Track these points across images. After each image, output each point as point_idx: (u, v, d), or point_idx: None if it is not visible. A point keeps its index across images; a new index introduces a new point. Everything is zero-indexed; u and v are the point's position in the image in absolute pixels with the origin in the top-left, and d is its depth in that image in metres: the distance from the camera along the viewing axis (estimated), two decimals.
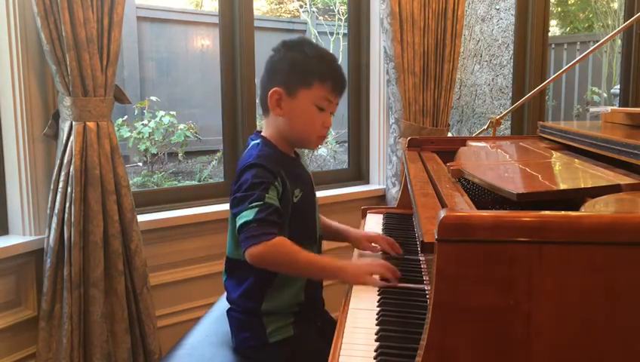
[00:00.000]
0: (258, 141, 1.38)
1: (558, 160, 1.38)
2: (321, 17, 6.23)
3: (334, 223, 1.59)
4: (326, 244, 1.53)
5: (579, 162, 1.30)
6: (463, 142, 1.85)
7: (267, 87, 1.36)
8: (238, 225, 1.25)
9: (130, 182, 2.31)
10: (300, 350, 1.34)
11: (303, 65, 1.34)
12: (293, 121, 1.36)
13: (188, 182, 4.97)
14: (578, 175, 1.23)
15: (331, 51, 5.97)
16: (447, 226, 0.71)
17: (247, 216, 1.22)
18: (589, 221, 0.71)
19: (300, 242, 1.35)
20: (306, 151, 5.29)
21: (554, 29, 8.62)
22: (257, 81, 2.49)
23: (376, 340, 0.97)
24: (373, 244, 1.49)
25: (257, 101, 1.44)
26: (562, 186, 1.13)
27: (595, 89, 6.36)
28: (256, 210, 1.22)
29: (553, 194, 1.01)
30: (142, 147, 4.72)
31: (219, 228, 2.23)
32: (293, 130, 1.37)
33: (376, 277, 1.22)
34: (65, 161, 1.79)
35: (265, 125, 1.41)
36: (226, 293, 1.44)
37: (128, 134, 4.68)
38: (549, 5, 3.47)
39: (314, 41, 5.86)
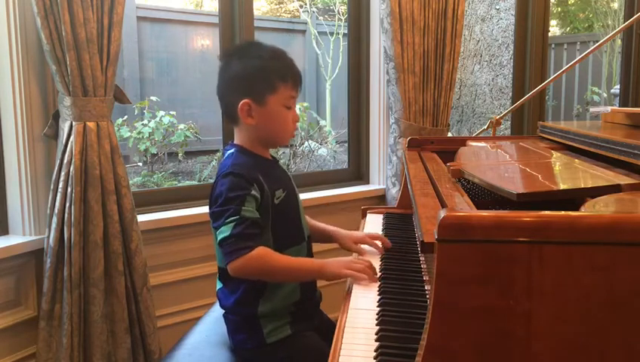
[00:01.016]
0: (232, 150, 1.39)
1: (558, 160, 1.38)
2: (321, 17, 6.23)
3: (321, 225, 1.59)
4: (316, 246, 1.53)
5: (579, 162, 1.30)
6: (463, 142, 1.85)
7: (232, 99, 1.36)
8: (217, 241, 1.28)
9: (130, 182, 2.31)
10: (297, 349, 1.34)
11: (264, 72, 1.35)
12: (266, 126, 1.37)
13: (188, 182, 4.97)
14: (578, 175, 1.23)
15: (331, 51, 5.90)
16: (447, 226, 0.71)
17: (225, 231, 1.25)
18: (589, 221, 0.71)
19: (288, 242, 1.36)
20: (306, 151, 5.31)
21: (554, 29, 8.62)
22: None
23: (376, 340, 0.97)
24: (360, 245, 1.49)
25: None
26: (562, 186, 1.13)
27: (595, 89, 6.36)
28: (232, 224, 1.25)
29: (553, 194, 1.01)
30: (142, 147, 4.73)
31: None
32: (268, 133, 1.39)
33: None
34: (65, 161, 1.79)
35: (237, 133, 1.42)
36: (218, 302, 1.44)
37: (128, 134, 4.68)
38: (549, 5, 3.47)
39: (313, 41, 5.85)
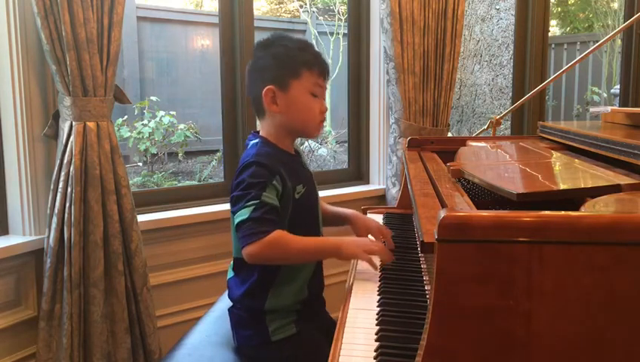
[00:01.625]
0: (256, 141, 1.39)
1: (558, 160, 1.38)
2: (321, 17, 6.23)
3: (334, 208, 1.59)
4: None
5: (579, 162, 1.30)
6: (463, 142, 1.85)
7: (257, 88, 1.36)
8: (235, 224, 1.27)
9: (130, 182, 2.31)
10: (301, 348, 1.35)
11: (287, 58, 1.36)
12: (292, 114, 1.37)
13: (188, 182, 4.97)
14: (578, 175, 1.23)
15: (331, 51, 5.90)
16: (447, 226, 0.71)
17: (243, 214, 1.25)
18: (589, 221, 0.71)
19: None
20: (306, 151, 5.31)
21: (554, 29, 8.62)
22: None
23: (376, 340, 0.97)
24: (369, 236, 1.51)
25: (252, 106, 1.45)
26: (562, 186, 1.13)
27: (595, 89, 6.36)
28: (252, 208, 1.24)
29: (553, 194, 1.01)
30: (142, 147, 4.73)
31: (219, 228, 2.23)
32: (294, 122, 1.38)
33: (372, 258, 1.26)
34: (65, 161, 1.79)
35: (262, 126, 1.42)
36: (228, 291, 1.45)
37: (128, 134, 4.68)
38: (549, 5, 3.47)
39: (313, 40, 5.85)
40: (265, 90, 1.34)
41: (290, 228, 1.33)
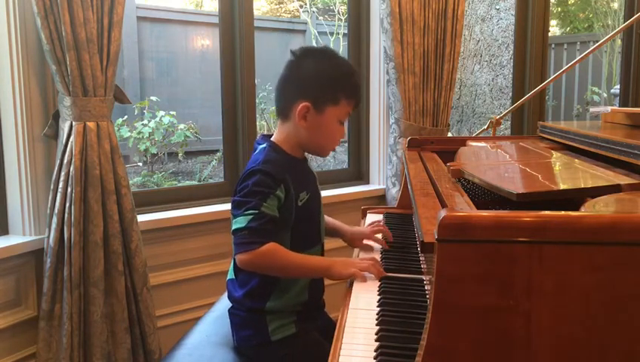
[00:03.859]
0: (265, 145, 1.39)
1: (558, 160, 1.38)
2: (321, 17, 6.23)
3: (330, 219, 1.61)
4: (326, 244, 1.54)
5: (579, 162, 1.30)
6: (463, 142, 1.85)
7: (293, 97, 1.36)
8: (232, 230, 1.29)
9: (130, 182, 2.31)
10: (301, 348, 1.35)
11: (332, 83, 1.36)
12: (315, 134, 1.37)
13: (188, 182, 4.97)
14: (578, 175, 1.23)
15: None
16: (447, 226, 0.71)
17: (240, 222, 1.26)
18: (589, 221, 0.71)
19: (304, 243, 1.37)
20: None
21: (554, 29, 8.61)
22: (257, 80, 2.50)
23: (376, 340, 0.97)
24: (365, 241, 1.54)
25: (276, 106, 1.43)
26: (562, 186, 1.13)
27: (595, 89, 6.36)
28: (250, 217, 1.25)
29: (553, 194, 1.01)
30: (142, 147, 4.72)
31: (219, 228, 2.23)
32: (314, 141, 1.39)
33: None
34: (65, 161, 1.79)
35: (279, 129, 1.41)
36: (227, 292, 1.45)
37: (128, 134, 4.68)
38: (549, 5, 3.47)
39: (313, 41, 5.84)
40: (301, 105, 1.34)
41: (292, 235, 1.34)
